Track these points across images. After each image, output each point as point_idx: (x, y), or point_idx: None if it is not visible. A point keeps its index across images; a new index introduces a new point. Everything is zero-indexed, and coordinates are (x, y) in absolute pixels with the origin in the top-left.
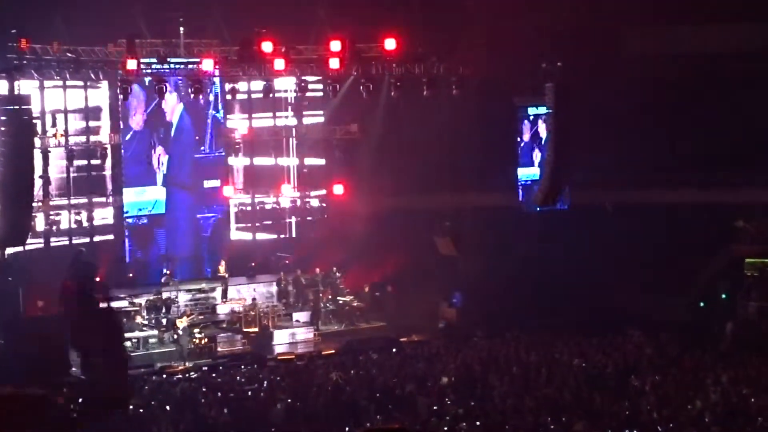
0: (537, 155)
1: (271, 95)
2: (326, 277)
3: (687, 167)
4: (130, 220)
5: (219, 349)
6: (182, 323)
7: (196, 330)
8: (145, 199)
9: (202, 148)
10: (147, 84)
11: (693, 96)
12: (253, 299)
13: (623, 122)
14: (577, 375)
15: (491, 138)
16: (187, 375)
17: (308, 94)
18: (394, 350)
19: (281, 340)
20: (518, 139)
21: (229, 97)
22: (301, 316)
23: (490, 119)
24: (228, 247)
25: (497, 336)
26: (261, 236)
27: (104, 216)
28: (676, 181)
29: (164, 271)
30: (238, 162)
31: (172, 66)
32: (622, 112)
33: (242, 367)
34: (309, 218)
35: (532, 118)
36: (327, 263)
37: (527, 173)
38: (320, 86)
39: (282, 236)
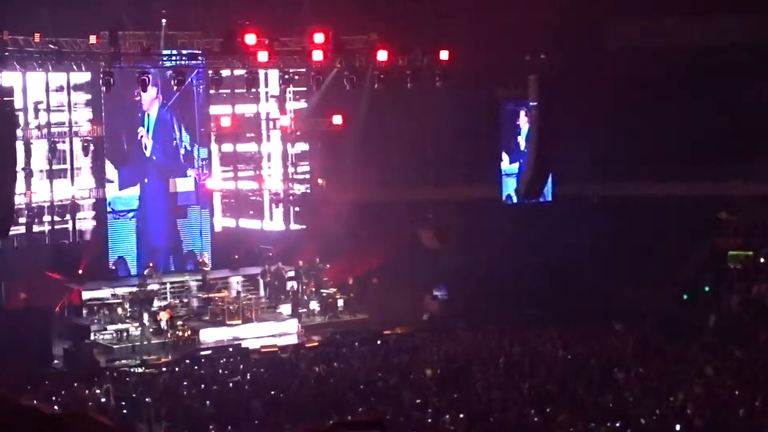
0: (520, 147)
1: (254, 89)
2: (309, 269)
3: (671, 159)
4: (112, 213)
5: (202, 341)
6: (165, 316)
7: (179, 322)
8: (128, 194)
9: (184, 140)
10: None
11: (677, 88)
12: (237, 291)
13: (607, 114)
14: (561, 367)
15: (474, 130)
16: (169, 368)
17: (292, 88)
18: (377, 343)
19: (264, 333)
20: (501, 131)
21: (212, 91)
22: (284, 308)
23: (473, 111)
24: (211, 238)
25: (480, 328)
26: (245, 223)
27: (86, 208)
28: (660, 173)
29: (147, 263)
30: (222, 149)
31: (160, 58)
32: (605, 105)
33: (225, 359)
34: (294, 209)
35: (515, 110)
36: (310, 255)
37: (510, 166)
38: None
39: (265, 228)
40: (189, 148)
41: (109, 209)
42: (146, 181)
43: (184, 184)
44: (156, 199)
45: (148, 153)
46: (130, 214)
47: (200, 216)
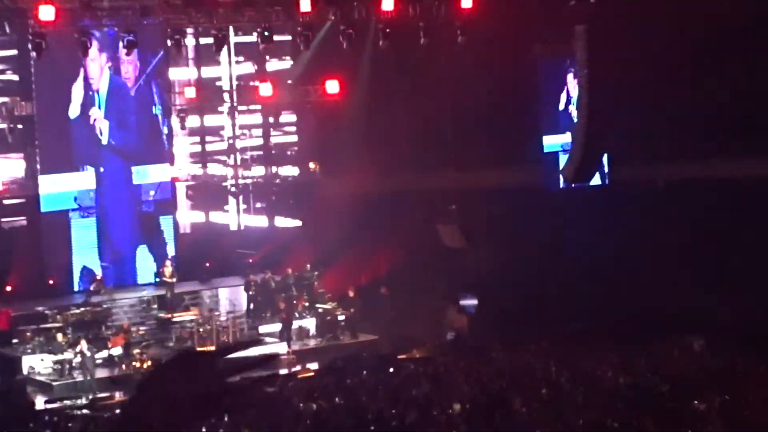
0: (565, 119)
1: (224, 50)
2: (300, 278)
3: (756, 130)
4: (80, 210)
5: None
6: (118, 343)
7: (136, 351)
8: (70, 188)
9: (141, 118)
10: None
11: (761, 38)
12: (210, 310)
13: (674, 74)
14: (623, 397)
15: (506, 98)
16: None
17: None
18: (390, 370)
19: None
20: (540, 98)
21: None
22: (270, 328)
23: (504, 74)
24: (176, 241)
25: (520, 348)
26: (217, 218)
27: (16, 206)
28: (743, 148)
29: (94, 275)
30: (186, 125)
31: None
32: (673, 61)
33: None
34: (276, 202)
35: (557, 71)
36: (300, 261)
37: (554, 142)
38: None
39: (244, 226)
40: (149, 127)
41: (46, 209)
42: (102, 170)
43: (155, 174)
44: (109, 194)
45: (104, 139)
46: (73, 213)
47: (162, 211)
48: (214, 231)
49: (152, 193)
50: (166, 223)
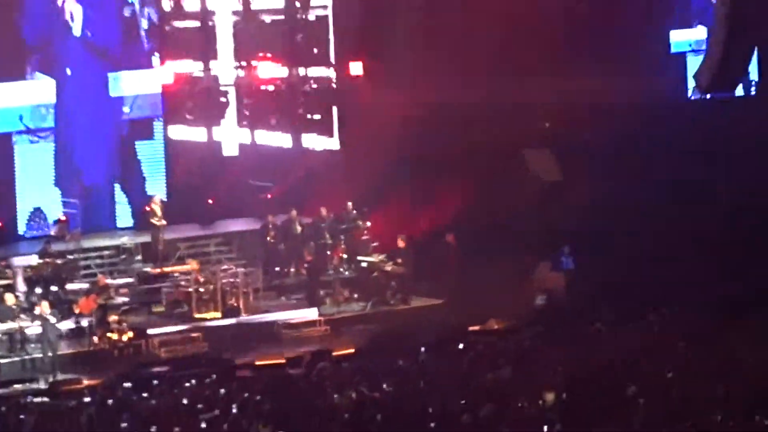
0: (700, 3)
1: None
2: (336, 222)
3: None
4: (28, 133)
5: (152, 350)
6: (88, 306)
7: (113, 317)
8: (13, 102)
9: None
10: None
11: None
12: (213, 263)
13: None
14: None
15: None
16: (97, 396)
17: None
18: (458, 347)
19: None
20: None
21: None
22: (295, 290)
23: None
24: (166, 168)
25: (634, 319)
26: (221, 136)
27: None
28: None
29: (58, 216)
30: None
31: None
32: None
33: (194, 380)
34: (305, 116)
35: None
36: (337, 198)
37: (682, 38)
38: None
39: (258, 144)
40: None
41: (20, 127)
42: (70, 74)
43: (130, 83)
44: (89, 107)
45: (77, 28)
46: (27, 132)
47: (146, 128)
48: (219, 155)
49: (126, 109)
50: (146, 149)
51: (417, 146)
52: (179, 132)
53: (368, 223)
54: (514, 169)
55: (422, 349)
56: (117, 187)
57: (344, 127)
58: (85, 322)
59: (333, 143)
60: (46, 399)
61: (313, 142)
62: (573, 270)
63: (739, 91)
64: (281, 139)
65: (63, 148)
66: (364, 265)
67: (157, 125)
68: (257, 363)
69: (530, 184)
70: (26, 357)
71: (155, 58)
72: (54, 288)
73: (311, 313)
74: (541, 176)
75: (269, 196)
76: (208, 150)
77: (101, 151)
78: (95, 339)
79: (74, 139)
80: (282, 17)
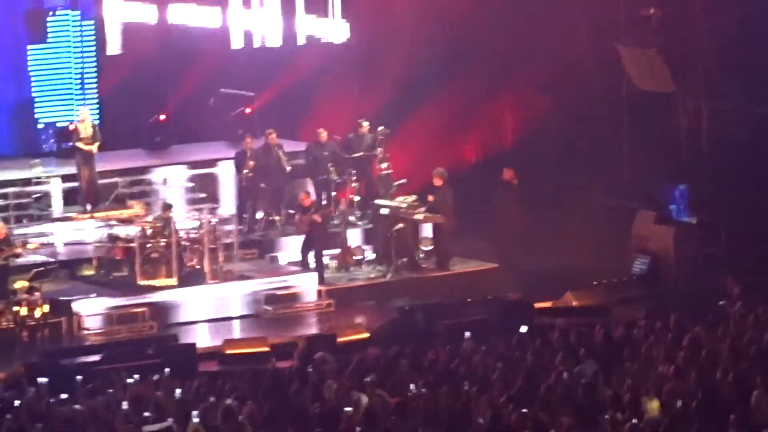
0: None
1: None
2: (345, 148)
3: None
4: None
5: (78, 332)
6: None
7: (19, 285)
8: None
9: None
10: None
11: None
12: (167, 205)
13: None
14: None
15: None
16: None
17: None
18: (521, 331)
19: (236, 310)
20: None
21: None
22: (288, 245)
23: None
24: (99, 73)
25: None
26: (179, 16)
27: None
28: None
29: None
30: None
31: None
32: None
33: (135, 376)
34: None
35: None
36: (344, 117)
37: None
38: None
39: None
40: None
41: None
42: None
43: None
44: None
45: None
46: None
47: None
48: (177, 47)
49: None
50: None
51: (458, 38)
52: (116, 8)
53: (388, 152)
54: (604, 75)
55: (466, 334)
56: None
57: (353, 10)
58: None
59: (338, 33)
60: None
61: (311, 28)
62: (689, 224)
63: None
64: (269, 26)
65: None
66: (384, 211)
67: None
68: (228, 352)
69: (626, 97)
70: None
71: None
72: None
73: (307, 281)
74: (641, 86)
75: (248, 110)
76: (159, 37)
77: None
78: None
79: None
80: None
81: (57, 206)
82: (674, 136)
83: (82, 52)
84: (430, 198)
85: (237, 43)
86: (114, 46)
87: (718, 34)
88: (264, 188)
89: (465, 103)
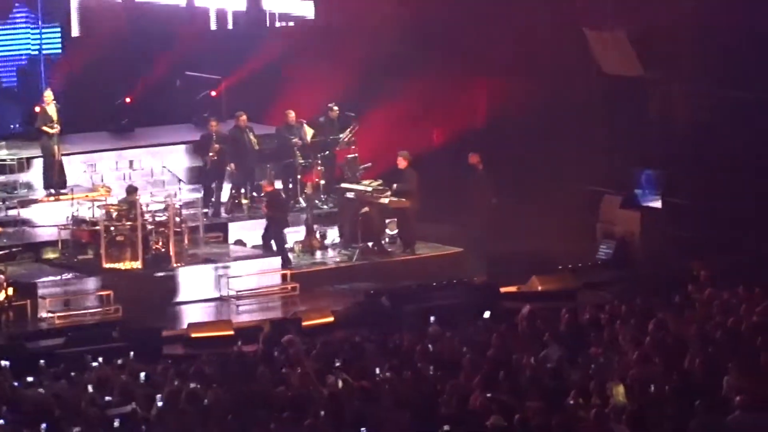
0: None
1: None
2: (313, 127)
3: None
4: None
5: (41, 315)
6: None
7: None
8: None
9: None
10: None
11: None
12: (131, 189)
13: None
14: None
15: None
16: None
17: None
18: (485, 316)
19: (201, 293)
20: None
21: None
22: (249, 230)
23: None
24: (64, 48)
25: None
26: None
27: None
28: None
29: None
30: None
31: None
32: None
33: (99, 359)
34: None
35: None
36: (311, 99)
37: None
38: None
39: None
40: None
41: None
42: None
43: None
44: None
45: None
46: None
47: None
48: (143, 29)
49: None
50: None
51: (425, 22)
52: None
53: (354, 136)
54: (574, 57)
55: (431, 318)
56: None
57: None
58: None
59: (304, 8)
60: None
61: (277, 7)
62: (655, 208)
63: None
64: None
65: None
66: (350, 195)
67: None
68: (193, 335)
69: (597, 80)
70: None
71: None
72: None
73: (272, 265)
74: (609, 70)
75: (213, 93)
76: (125, 18)
77: None
78: None
79: None
80: None
81: (21, 188)
82: (646, 120)
83: (40, 34)
84: (395, 186)
85: (204, 24)
86: (77, 28)
87: (688, 18)
88: (231, 171)
89: (432, 87)
